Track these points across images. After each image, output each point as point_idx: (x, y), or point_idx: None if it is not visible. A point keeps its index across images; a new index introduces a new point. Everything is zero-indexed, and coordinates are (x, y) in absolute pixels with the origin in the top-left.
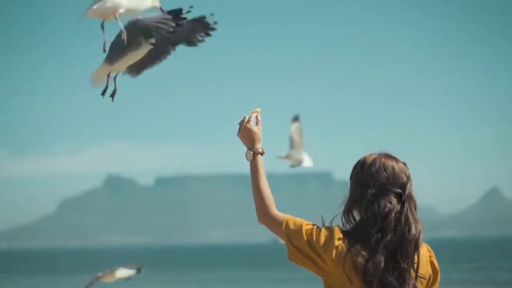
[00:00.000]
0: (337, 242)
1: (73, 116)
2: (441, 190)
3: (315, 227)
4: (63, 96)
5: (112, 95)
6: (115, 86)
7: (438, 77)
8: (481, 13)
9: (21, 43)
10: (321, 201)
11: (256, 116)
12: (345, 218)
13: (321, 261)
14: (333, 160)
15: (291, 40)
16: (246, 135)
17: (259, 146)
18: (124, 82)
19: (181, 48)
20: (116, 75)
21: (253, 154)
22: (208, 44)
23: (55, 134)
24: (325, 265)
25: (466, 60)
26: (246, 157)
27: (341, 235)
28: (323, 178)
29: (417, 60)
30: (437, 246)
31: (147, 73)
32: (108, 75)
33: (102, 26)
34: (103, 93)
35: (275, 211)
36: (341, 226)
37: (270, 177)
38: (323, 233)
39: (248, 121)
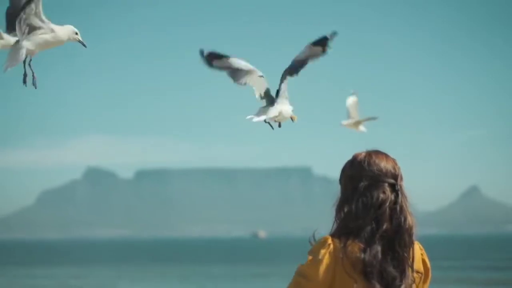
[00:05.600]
0: (329, 242)
1: (53, 109)
2: (420, 188)
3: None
4: (44, 89)
5: (25, 80)
6: (25, 70)
7: (423, 78)
8: (476, 10)
9: None
10: (301, 196)
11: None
12: (337, 217)
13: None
14: (313, 156)
15: (278, 37)
16: None
17: None
18: (106, 77)
19: (165, 44)
20: (30, 59)
21: None
22: (193, 40)
23: (35, 126)
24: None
25: (456, 64)
26: None
27: (329, 238)
28: (303, 173)
29: (412, 61)
30: None
31: (128, 68)
32: (24, 61)
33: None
34: (24, 81)
35: None
36: (334, 227)
37: (251, 172)
38: (311, 258)
39: None
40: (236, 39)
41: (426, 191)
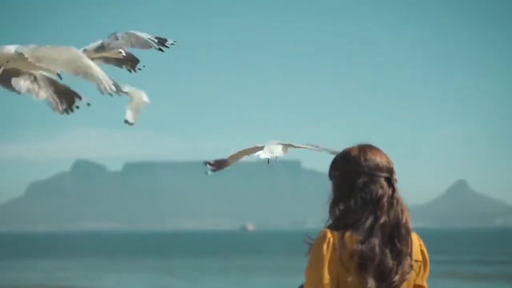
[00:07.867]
0: (329, 236)
1: (42, 102)
2: (407, 181)
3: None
4: None
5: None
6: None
7: (411, 74)
8: (476, 9)
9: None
10: (289, 189)
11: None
12: (332, 213)
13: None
14: (302, 149)
15: (277, 36)
16: None
17: None
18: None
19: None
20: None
21: None
22: (181, 35)
23: (25, 119)
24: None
25: (439, 59)
26: None
27: (328, 231)
28: (292, 167)
29: (411, 60)
30: None
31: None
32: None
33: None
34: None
35: None
36: (329, 222)
37: (239, 165)
38: (313, 259)
39: None
40: (235, 37)
41: (414, 185)
